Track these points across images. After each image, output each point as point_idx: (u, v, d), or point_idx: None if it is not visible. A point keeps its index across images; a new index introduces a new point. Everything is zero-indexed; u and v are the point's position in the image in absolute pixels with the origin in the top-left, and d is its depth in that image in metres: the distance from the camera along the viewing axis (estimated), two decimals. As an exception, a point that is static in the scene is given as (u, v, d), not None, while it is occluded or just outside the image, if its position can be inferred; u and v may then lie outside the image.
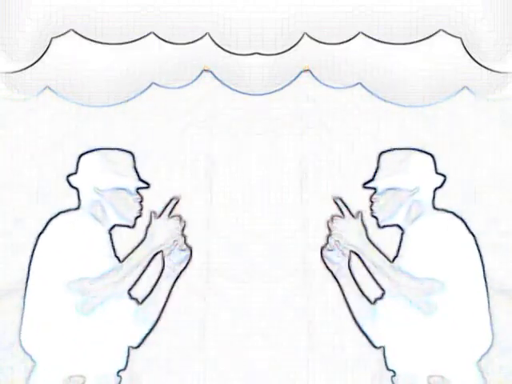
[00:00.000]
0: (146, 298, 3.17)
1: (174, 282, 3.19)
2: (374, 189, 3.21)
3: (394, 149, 3.23)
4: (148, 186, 3.23)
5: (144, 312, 3.15)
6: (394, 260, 3.18)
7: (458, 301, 3.09)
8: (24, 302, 3.11)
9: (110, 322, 3.11)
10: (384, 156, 3.22)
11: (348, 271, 3.18)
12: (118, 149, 3.23)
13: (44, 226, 3.15)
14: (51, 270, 3.10)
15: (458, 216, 3.18)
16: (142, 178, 3.23)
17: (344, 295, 3.18)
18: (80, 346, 3.08)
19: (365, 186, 3.23)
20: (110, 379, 3.11)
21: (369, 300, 3.17)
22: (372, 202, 3.21)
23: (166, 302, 3.18)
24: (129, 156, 3.22)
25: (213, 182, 3.26)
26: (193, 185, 3.26)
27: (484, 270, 3.13)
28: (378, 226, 3.21)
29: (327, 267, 3.20)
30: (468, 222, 3.18)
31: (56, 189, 3.22)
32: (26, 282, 3.12)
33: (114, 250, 3.19)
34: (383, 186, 3.19)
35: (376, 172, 3.22)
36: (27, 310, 3.10)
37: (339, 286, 3.18)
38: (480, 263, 3.13)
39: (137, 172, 3.23)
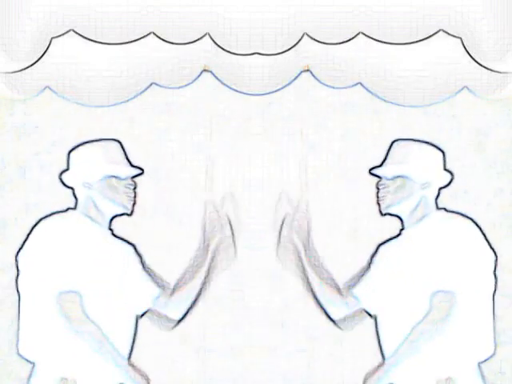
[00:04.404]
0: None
1: None
2: (379, 176, 3.19)
3: (407, 139, 3.21)
4: (142, 171, 3.21)
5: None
6: (380, 245, 3.16)
7: (466, 309, 3.05)
8: (19, 310, 3.08)
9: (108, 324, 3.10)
10: (395, 145, 3.20)
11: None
12: (104, 139, 3.21)
13: (30, 230, 3.13)
14: (44, 278, 3.04)
15: (473, 221, 3.15)
16: (140, 174, 3.22)
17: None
18: (77, 349, 3.07)
19: (371, 171, 3.21)
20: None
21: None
22: (378, 188, 3.18)
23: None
24: (117, 144, 3.20)
25: (213, 181, 3.26)
26: (193, 185, 3.26)
27: (496, 275, 3.11)
28: (380, 212, 3.19)
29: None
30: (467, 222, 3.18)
31: (57, 189, 3.21)
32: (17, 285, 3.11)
33: (122, 239, 3.17)
34: (392, 173, 3.15)
35: (385, 159, 3.21)
36: (23, 318, 3.07)
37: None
38: (492, 270, 3.10)
39: (128, 159, 3.21)
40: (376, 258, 3.16)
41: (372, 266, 3.16)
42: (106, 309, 3.05)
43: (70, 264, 3.04)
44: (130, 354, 3.14)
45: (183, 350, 3.22)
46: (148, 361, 3.19)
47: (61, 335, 3.02)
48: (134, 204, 3.19)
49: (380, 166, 3.20)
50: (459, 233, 3.10)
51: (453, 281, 3.03)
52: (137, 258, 3.17)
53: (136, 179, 3.21)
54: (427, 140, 3.23)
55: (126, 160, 3.20)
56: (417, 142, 3.20)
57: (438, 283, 3.04)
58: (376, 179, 3.21)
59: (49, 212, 3.17)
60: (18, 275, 3.08)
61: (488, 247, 3.09)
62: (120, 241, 3.16)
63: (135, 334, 3.14)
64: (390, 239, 3.18)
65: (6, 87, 3.23)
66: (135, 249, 3.18)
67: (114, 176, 3.13)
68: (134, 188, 3.19)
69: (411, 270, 3.06)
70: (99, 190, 3.12)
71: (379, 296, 3.10)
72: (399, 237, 3.17)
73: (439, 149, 3.20)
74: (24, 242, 3.10)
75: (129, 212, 3.18)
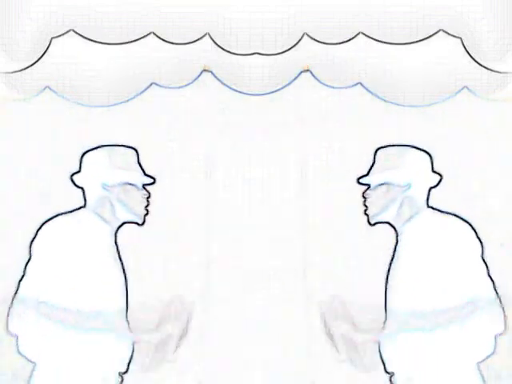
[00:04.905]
0: None
1: None
2: (368, 185, 3.20)
3: (391, 145, 3.22)
4: (154, 180, 3.22)
5: None
6: (390, 264, 3.17)
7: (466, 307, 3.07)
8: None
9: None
10: (380, 152, 3.21)
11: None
12: (121, 145, 3.22)
13: (40, 226, 3.15)
14: (48, 275, 3.08)
15: (462, 218, 3.17)
16: (152, 183, 3.23)
17: None
18: (78, 347, 3.08)
19: (359, 181, 3.21)
20: (111, 380, 3.11)
21: None
22: (364, 197, 3.19)
23: None
24: (132, 152, 3.21)
25: (213, 181, 3.26)
26: (193, 185, 3.26)
27: (484, 260, 3.12)
28: (369, 223, 3.20)
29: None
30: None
31: (57, 189, 3.22)
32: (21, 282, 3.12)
33: (118, 252, 3.19)
34: (376, 182, 3.17)
35: (371, 168, 3.21)
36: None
37: None
38: (485, 267, 3.11)
39: (141, 168, 3.22)
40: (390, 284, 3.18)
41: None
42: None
43: (74, 263, 3.07)
44: (132, 355, 3.16)
45: (182, 350, 3.22)
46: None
47: (61, 333, 3.05)
48: (146, 214, 3.20)
49: (367, 174, 3.21)
50: (449, 229, 3.12)
51: (459, 278, 3.06)
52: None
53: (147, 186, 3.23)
54: (427, 140, 3.24)
55: (140, 169, 3.20)
56: (401, 147, 3.20)
57: (443, 285, 3.06)
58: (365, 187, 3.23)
59: (48, 212, 3.18)
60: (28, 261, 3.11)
61: (474, 237, 3.11)
62: (116, 253, 3.18)
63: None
64: (393, 254, 3.19)
65: (5, 87, 3.23)
66: (123, 267, 3.18)
67: (131, 184, 3.14)
68: (148, 197, 3.20)
69: (419, 277, 3.09)
70: (116, 195, 3.13)
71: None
72: (397, 248, 3.18)
73: (425, 151, 3.20)
74: (37, 232, 3.13)
75: (141, 222, 3.19)
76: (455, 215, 3.17)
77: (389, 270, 3.17)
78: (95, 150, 3.19)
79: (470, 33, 3.22)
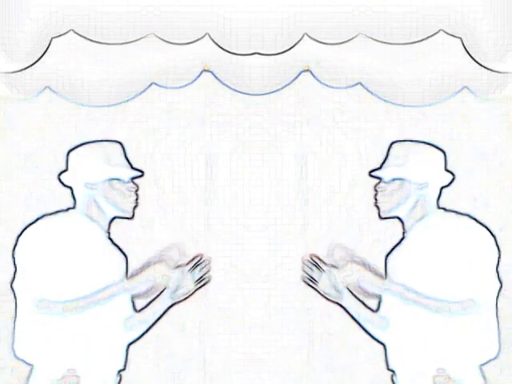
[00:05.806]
0: (144, 307, 3.17)
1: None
2: (379, 178, 3.20)
3: (406, 140, 3.22)
4: (142, 173, 3.22)
5: (136, 321, 3.13)
6: (387, 255, 3.18)
7: (475, 310, 3.08)
8: (15, 309, 3.10)
9: (105, 321, 3.10)
10: (394, 146, 3.21)
11: (349, 293, 3.15)
12: (105, 140, 3.21)
13: (23, 228, 3.15)
14: (37, 278, 3.08)
15: (480, 223, 3.16)
16: (140, 176, 3.23)
17: (351, 315, 3.17)
18: (74, 346, 3.08)
19: (371, 174, 3.21)
20: (109, 379, 3.11)
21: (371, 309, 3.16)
22: (376, 190, 3.19)
23: (161, 316, 3.17)
24: (118, 146, 3.21)
25: (213, 181, 3.26)
26: (193, 185, 3.26)
27: (499, 275, 3.12)
28: (379, 216, 3.20)
29: (328, 299, 3.19)
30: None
31: (56, 188, 3.22)
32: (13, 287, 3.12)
33: (118, 247, 3.19)
34: (390, 176, 3.16)
35: (384, 161, 3.21)
36: (18, 317, 3.09)
37: (343, 308, 3.17)
38: (495, 268, 3.12)
39: (128, 161, 3.22)
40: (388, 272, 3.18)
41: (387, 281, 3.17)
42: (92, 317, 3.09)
43: (61, 266, 3.08)
44: (127, 352, 3.16)
45: (182, 350, 3.22)
46: (147, 361, 3.20)
47: (56, 332, 3.05)
48: (135, 207, 3.20)
49: (379, 168, 3.21)
50: (462, 231, 3.11)
51: (464, 281, 3.06)
52: (124, 271, 3.18)
53: (136, 180, 3.22)
54: (427, 140, 3.24)
55: (126, 162, 3.20)
56: (416, 143, 3.20)
57: (449, 286, 3.06)
58: (376, 180, 3.22)
59: (48, 212, 3.18)
60: (15, 272, 3.10)
61: (491, 243, 3.11)
62: (114, 247, 3.17)
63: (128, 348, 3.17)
64: (395, 246, 3.19)
65: (5, 87, 3.23)
66: (127, 260, 3.18)
67: (117, 178, 3.14)
68: (136, 191, 3.19)
69: (422, 276, 3.10)
70: (102, 192, 3.13)
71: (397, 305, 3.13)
72: (403, 243, 3.17)
73: (440, 149, 3.20)
74: (19, 238, 3.13)
75: (130, 216, 3.19)
76: (473, 218, 3.17)
77: (386, 261, 3.17)
78: (79, 148, 3.18)
79: (470, 33, 3.22)
